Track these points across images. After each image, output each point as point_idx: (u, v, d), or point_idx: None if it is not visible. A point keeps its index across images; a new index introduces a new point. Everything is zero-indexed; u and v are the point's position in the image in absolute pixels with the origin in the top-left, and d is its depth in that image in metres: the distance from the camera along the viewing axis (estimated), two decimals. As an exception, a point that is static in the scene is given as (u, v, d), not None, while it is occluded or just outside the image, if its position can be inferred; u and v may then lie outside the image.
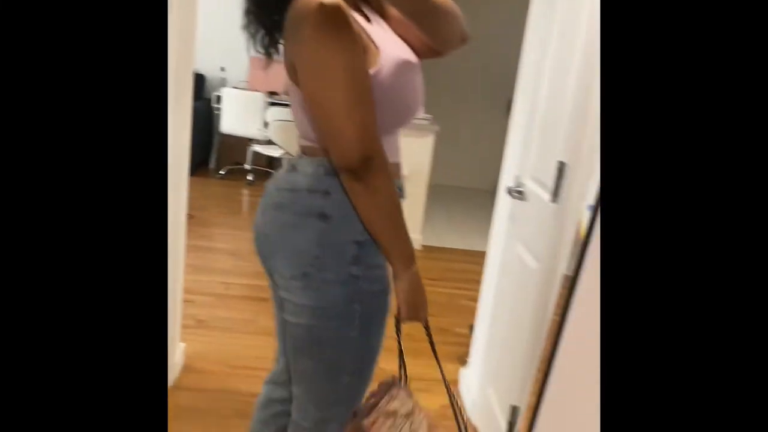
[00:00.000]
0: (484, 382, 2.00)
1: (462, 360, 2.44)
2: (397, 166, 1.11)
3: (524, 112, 1.89)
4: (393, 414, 1.10)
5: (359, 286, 1.04)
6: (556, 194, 1.48)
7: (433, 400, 2.17)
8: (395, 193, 1.02)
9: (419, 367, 2.39)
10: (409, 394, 1.15)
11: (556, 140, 1.56)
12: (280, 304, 1.24)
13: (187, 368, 2.16)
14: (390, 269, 1.08)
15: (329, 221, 1.02)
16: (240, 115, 4.80)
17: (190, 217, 3.91)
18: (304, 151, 1.11)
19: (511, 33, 5.23)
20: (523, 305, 1.67)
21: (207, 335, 2.42)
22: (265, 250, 1.12)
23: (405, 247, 1.05)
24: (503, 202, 2.01)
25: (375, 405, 1.10)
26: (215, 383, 2.10)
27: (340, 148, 0.97)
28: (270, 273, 1.15)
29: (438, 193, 5.49)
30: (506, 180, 1.97)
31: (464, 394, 2.20)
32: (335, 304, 1.04)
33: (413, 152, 3.71)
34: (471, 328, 2.40)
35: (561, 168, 1.46)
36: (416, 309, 1.11)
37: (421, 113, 1.11)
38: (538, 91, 1.76)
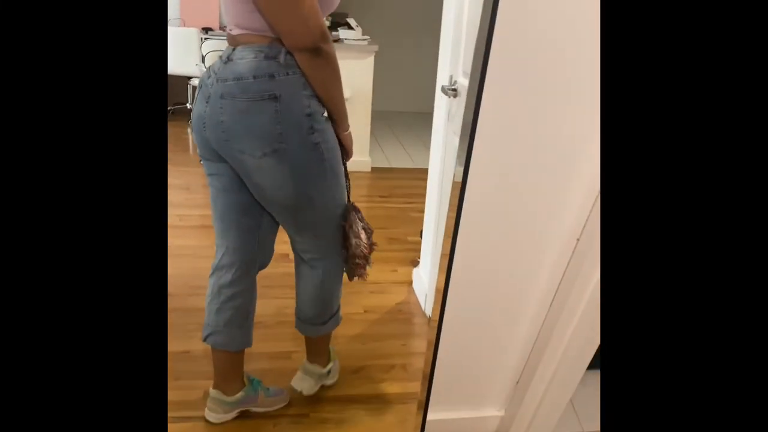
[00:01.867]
0: (433, 275, 2.14)
1: (414, 262, 2.58)
2: None
3: (452, 16, 1.94)
4: (361, 231, 1.46)
5: (322, 148, 1.25)
6: (483, 82, 1.56)
7: (389, 299, 2.32)
8: (337, 68, 1.21)
9: (374, 272, 2.53)
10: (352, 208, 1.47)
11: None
12: (230, 186, 1.36)
13: (149, 293, 2.22)
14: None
15: (280, 100, 1.17)
16: (176, 53, 4.66)
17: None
18: (239, 41, 1.20)
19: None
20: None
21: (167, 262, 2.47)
22: (223, 135, 1.22)
23: (344, 107, 1.31)
24: (440, 103, 2.09)
25: (355, 232, 1.45)
26: (178, 303, 2.17)
27: (299, 31, 1.11)
28: (231, 156, 1.27)
29: (383, 117, 5.53)
30: (441, 81, 2.05)
31: (418, 291, 2.35)
32: (309, 166, 1.25)
33: (354, 74, 3.72)
34: (421, 233, 2.53)
35: (486, 57, 1.54)
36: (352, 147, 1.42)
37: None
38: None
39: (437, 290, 1.36)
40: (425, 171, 3.98)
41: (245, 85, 1.16)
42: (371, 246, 1.48)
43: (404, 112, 5.95)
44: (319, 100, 1.22)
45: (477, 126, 1.16)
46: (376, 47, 3.76)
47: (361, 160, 3.92)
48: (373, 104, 3.87)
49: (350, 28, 3.80)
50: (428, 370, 1.42)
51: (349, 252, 1.46)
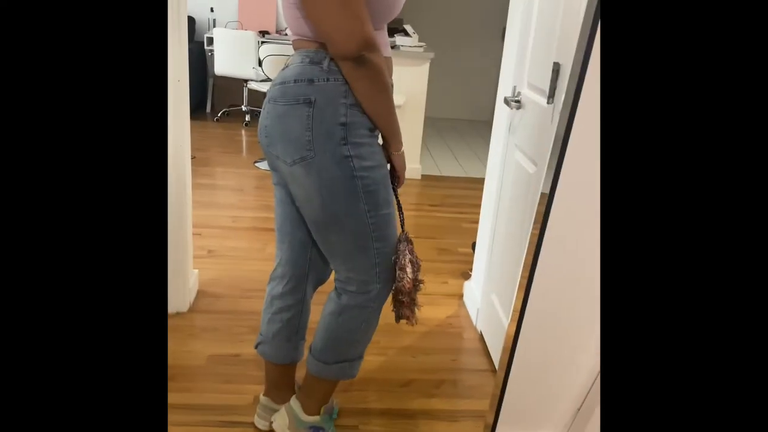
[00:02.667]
0: (487, 290, 2.09)
1: (465, 275, 2.53)
2: (388, 61, 1.21)
3: (518, 26, 1.89)
4: (407, 263, 1.29)
5: (353, 163, 1.16)
6: (552, 95, 1.51)
7: (439, 312, 2.27)
8: (387, 77, 1.15)
9: (426, 283, 2.49)
10: (406, 241, 1.33)
11: (550, 45, 1.58)
12: (285, 198, 1.35)
13: (201, 293, 2.25)
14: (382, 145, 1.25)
15: (314, 106, 1.13)
16: (233, 55, 4.75)
17: (192, 158, 3.94)
18: (294, 46, 1.21)
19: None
20: (524, 211, 1.73)
21: (218, 263, 2.50)
22: (266, 140, 1.22)
23: (398, 127, 1.22)
24: (501, 114, 2.04)
25: (400, 265, 1.30)
26: (228, 305, 2.19)
27: (340, 38, 1.06)
28: (274, 165, 1.26)
29: (435, 125, 5.49)
30: (504, 91, 2.00)
31: (469, 305, 2.30)
32: (336, 181, 1.16)
33: (408, 81, 3.70)
34: (473, 245, 2.48)
35: (556, 69, 1.49)
36: (404, 177, 1.34)
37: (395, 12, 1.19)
38: (531, 7, 1.77)
39: (514, 309, 1.32)
40: (476, 180, 3.95)
41: (285, 89, 1.16)
42: (416, 282, 1.32)
43: (456, 119, 5.89)
44: (364, 112, 1.16)
45: (569, 137, 1.13)
46: (432, 54, 3.73)
47: (411, 167, 3.89)
48: (426, 110, 3.84)
49: (407, 34, 3.79)
50: (498, 392, 1.37)
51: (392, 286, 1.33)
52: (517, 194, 1.82)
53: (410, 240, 1.33)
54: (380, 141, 1.26)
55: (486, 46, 5.67)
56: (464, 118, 5.90)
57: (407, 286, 1.30)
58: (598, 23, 1.11)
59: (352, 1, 1.03)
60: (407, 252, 1.30)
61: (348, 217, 1.20)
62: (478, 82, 5.67)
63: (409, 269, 1.29)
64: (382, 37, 1.20)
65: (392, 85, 1.24)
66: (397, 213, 1.34)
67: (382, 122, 1.17)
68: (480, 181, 3.74)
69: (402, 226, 1.37)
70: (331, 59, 1.13)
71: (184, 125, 1.95)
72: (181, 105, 1.92)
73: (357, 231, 1.23)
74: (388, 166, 1.29)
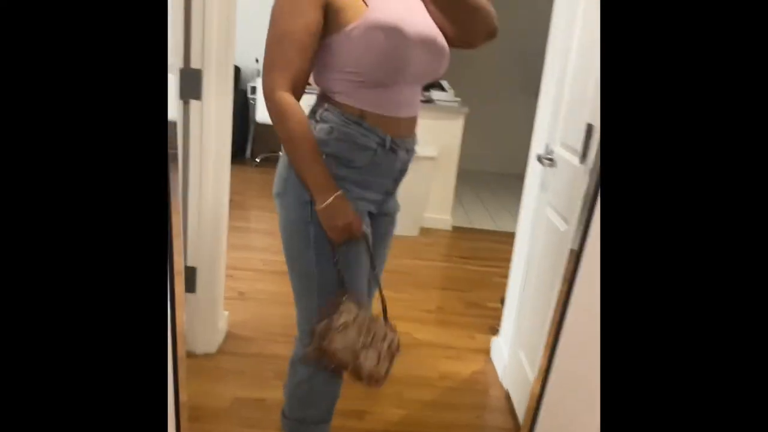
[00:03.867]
0: (515, 347, 2.06)
1: (493, 330, 2.50)
2: (386, 120, 1.21)
3: (552, 85, 1.93)
4: (345, 326, 1.17)
5: (310, 209, 1.17)
6: (584, 155, 1.53)
7: (465, 367, 2.24)
8: (293, 129, 1.12)
9: (451, 337, 2.47)
10: (358, 305, 1.22)
11: (583, 106, 1.60)
12: None
13: (230, 335, 2.27)
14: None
15: None
16: (274, 103, 4.91)
17: (230, 201, 4.06)
18: None
19: (543, 17, 5.25)
20: (554, 268, 1.73)
21: (248, 306, 2.54)
22: None
23: (314, 177, 1.14)
24: (533, 171, 2.06)
25: (329, 325, 1.18)
26: (256, 348, 2.20)
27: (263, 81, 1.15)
28: None
29: (467, 177, 5.53)
30: (537, 148, 2.02)
31: (496, 361, 2.26)
32: (296, 222, 1.20)
33: (443, 134, 3.76)
34: (502, 300, 2.46)
35: (589, 130, 1.51)
36: (338, 231, 1.16)
37: (411, 79, 1.20)
38: (565, 65, 1.81)
39: (539, 369, 1.30)
40: (508, 234, 3.91)
41: None
42: (371, 377, 1.20)
43: (489, 172, 5.93)
44: (342, 165, 1.18)
45: (598, 197, 1.14)
46: (466, 109, 3.80)
47: (441, 218, 3.91)
48: (459, 161, 3.88)
49: (442, 89, 3.88)
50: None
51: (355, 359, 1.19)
52: (548, 251, 1.81)
53: (393, 329, 1.26)
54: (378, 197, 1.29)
55: (520, 102, 5.74)
56: (496, 171, 5.93)
57: (361, 371, 1.19)
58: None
59: (271, 48, 1.11)
60: (381, 340, 1.20)
61: (296, 261, 1.24)
62: (511, 137, 5.71)
63: (372, 354, 1.18)
64: (381, 94, 1.18)
65: (410, 151, 1.29)
66: (377, 283, 1.30)
67: (295, 170, 1.17)
68: (511, 236, 3.72)
69: (384, 313, 1.28)
70: (326, 109, 1.19)
71: (224, 170, 2.03)
72: (223, 150, 2.00)
73: (301, 277, 1.25)
74: (368, 229, 1.24)
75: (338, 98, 1.18)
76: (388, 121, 1.20)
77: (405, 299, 2.76)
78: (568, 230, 1.63)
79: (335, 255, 1.18)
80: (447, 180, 3.85)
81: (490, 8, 1.22)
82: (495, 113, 5.82)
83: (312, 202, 1.16)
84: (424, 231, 3.77)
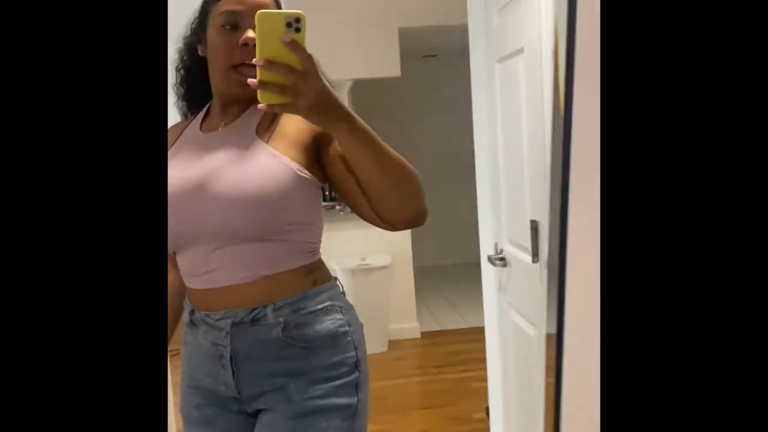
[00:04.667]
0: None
1: (484, 448, 2.27)
2: (189, 290, 1.03)
3: (486, 184, 1.88)
4: None
5: None
6: (535, 254, 1.43)
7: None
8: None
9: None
10: None
11: (523, 201, 1.53)
12: None
13: None
14: None
15: None
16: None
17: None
18: None
19: (464, 107, 5.45)
20: (531, 375, 1.57)
21: None
22: None
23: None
24: (488, 272, 1.95)
25: None
26: None
27: None
28: None
29: (426, 274, 5.41)
30: (485, 249, 1.93)
31: (494, 486, 2.03)
32: None
33: (392, 240, 3.67)
34: (487, 411, 2.26)
35: (534, 227, 1.43)
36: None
37: (185, 243, 0.97)
38: (495, 160, 1.77)
39: None
40: (479, 330, 3.74)
41: None
42: None
43: (446, 265, 5.85)
44: None
45: (565, 302, 1.02)
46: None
47: (408, 326, 3.73)
48: (414, 260, 3.76)
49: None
50: None
51: None
52: (522, 358, 1.66)
53: None
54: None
55: (459, 186, 5.81)
56: (455, 262, 5.86)
57: None
58: (568, 180, 1.06)
59: None
60: None
61: None
62: (460, 225, 5.71)
63: None
64: (182, 261, 0.99)
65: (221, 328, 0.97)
66: None
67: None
68: (482, 331, 3.57)
69: None
70: None
71: None
72: None
73: None
74: None
75: None
76: (190, 292, 1.02)
77: (384, 430, 2.51)
78: (538, 335, 1.50)
79: None
80: (406, 285, 3.71)
81: (417, 183, 0.93)
82: (440, 205, 5.84)
83: None
84: (393, 344, 3.57)
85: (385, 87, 5.42)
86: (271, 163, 0.92)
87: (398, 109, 5.78)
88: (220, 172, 0.92)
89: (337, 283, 1.06)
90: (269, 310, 0.95)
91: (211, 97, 1.04)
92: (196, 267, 0.96)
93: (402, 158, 0.90)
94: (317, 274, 1.00)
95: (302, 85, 0.77)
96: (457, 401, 2.75)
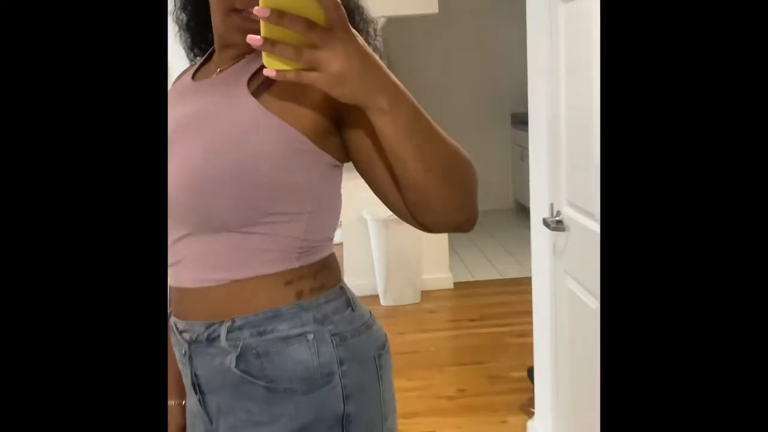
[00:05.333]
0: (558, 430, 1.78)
1: (527, 410, 2.21)
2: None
3: (544, 136, 1.71)
4: None
5: None
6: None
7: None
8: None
9: (480, 424, 2.17)
10: None
11: (590, 161, 1.38)
12: None
13: None
14: None
15: None
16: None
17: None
18: None
19: (513, 45, 5.16)
20: (589, 348, 1.47)
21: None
22: None
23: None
24: (539, 233, 1.81)
25: None
26: None
27: None
28: None
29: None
30: (538, 209, 1.78)
31: (537, 452, 1.97)
32: None
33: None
34: (529, 371, 2.18)
35: (605, 192, 1.28)
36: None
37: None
38: (556, 113, 1.60)
39: None
40: (514, 282, 3.67)
41: None
42: None
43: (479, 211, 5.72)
44: None
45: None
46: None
47: (441, 277, 3.64)
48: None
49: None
50: None
51: None
52: (580, 333, 1.55)
53: None
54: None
55: (495, 131, 5.60)
56: (487, 208, 5.72)
57: None
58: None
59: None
60: None
61: None
62: (493, 170, 5.53)
63: None
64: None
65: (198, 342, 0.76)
66: None
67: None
68: (517, 282, 3.47)
69: None
70: None
71: None
72: None
73: None
74: None
75: None
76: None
77: (419, 387, 2.46)
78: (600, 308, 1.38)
79: None
80: (438, 235, 3.61)
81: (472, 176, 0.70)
82: (473, 148, 5.65)
83: None
84: (426, 295, 3.50)
85: (420, 25, 5.14)
86: (254, 126, 0.69)
87: (433, 52, 5.49)
88: (182, 138, 0.71)
89: (344, 293, 0.78)
90: (223, 329, 0.72)
91: None
92: (168, 256, 0.76)
93: (458, 148, 0.66)
94: (306, 283, 0.73)
95: (325, 46, 0.54)
96: (493, 357, 2.69)
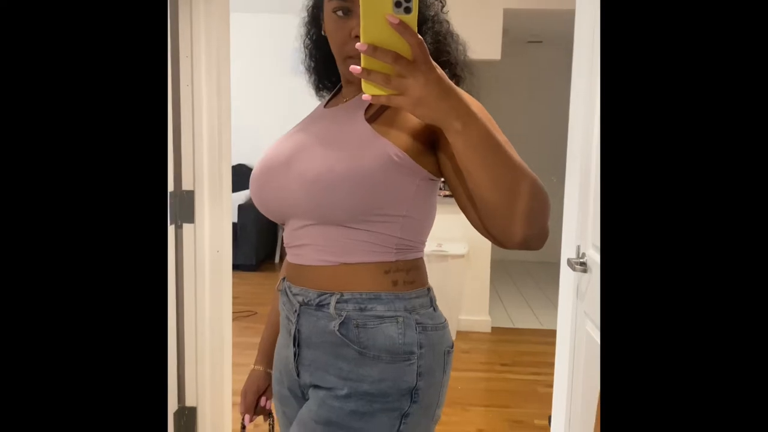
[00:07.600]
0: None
1: (543, 458, 2.17)
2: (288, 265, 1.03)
3: (577, 180, 1.74)
4: None
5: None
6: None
7: None
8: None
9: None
10: None
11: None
12: None
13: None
14: None
15: None
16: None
17: (253, 313, 3.89)
18: None
19: (563, 100, 5.18)
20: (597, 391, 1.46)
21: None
22: None
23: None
24: (566, 275, 1.83)
25: None
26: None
27: None
28: None
29: (504, 268, 5.26)
30: (566, 251, 1.80)
31: (548, 500, 1.92)
32: None
33: (472, 229, 3.56)
34: (549, 419, 2.14)
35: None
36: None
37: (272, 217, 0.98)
38: (589, 157, 1.63)
39: None
40: (552, 333, 3.58)
41: None
42: None
43: (526, 261, 5.65)
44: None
45: None
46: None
47: (479, 319, 3.63)
48: (492, 253, 3.64)
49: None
50: None
51: None
52: (593, 371, 1.54)
53: None
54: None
55: (547, 185, 5.56)
56: (534, 260, 5.65)
57: None
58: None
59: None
60: None
61: None
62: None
63: None
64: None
65: (307, 304, 0.93)
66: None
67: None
68: (554, 334, 3.41)
69: None
70: None
71: (225, 280, 1.87)
72: (223, 255, 1.85)
73: None
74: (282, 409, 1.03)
75: None
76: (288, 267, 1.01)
77: (443, 422, 2.45)
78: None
79: None
80: (481, 276, 3.61)
81: (546, 199, 0.80)
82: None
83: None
84: (461, 335, 3.49)
85: (483, 70, 5.26)
86: (365, 143, 0.85)
87: (493, 95, 5.59)
88: (309, 148, 0.89)
89: (430, 293, 0.94)
90: (333, 300, 0.89)
91: None
92: (289, 239, 0.95)
93: (526, 168, 0.76)
94: (401, 275, 0.90)
95: (409, 75, 0.67)
96: (520, 404, 2.64)
